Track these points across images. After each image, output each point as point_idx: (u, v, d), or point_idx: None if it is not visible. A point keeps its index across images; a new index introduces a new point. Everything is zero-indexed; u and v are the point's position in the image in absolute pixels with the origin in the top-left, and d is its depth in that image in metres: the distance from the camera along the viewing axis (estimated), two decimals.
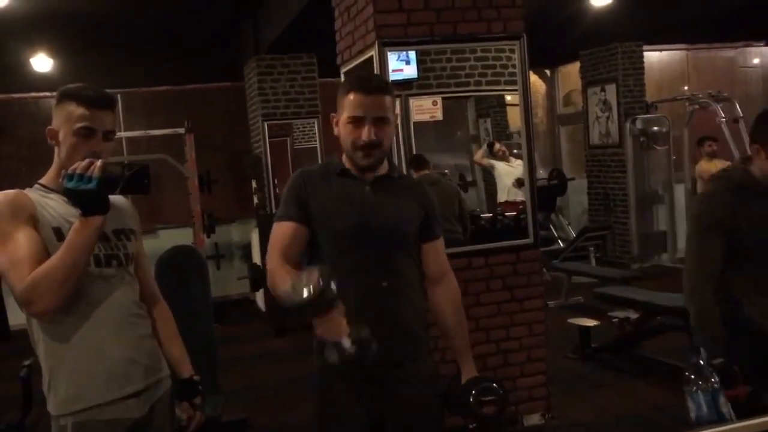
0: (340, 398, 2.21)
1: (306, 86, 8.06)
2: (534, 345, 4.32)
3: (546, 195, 8.44)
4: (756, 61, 11.29)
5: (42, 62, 8.14)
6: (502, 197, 7.38)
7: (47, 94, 8.29)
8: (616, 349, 5.48)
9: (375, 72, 4.04)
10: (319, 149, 8.04)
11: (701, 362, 1.89)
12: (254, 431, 4.68)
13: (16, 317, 5.36)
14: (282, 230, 2.18)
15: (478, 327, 4.13)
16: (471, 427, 3.88)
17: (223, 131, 9.39)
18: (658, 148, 9.21)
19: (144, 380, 2.01)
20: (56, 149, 1.98)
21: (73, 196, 1.83)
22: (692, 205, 2.82)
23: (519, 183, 5.58)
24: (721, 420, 1.75)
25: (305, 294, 1.79)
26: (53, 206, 1.93)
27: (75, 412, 1.92)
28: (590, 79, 9.66)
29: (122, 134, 8.05)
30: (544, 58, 9.86)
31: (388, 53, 4.05)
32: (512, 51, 4.28)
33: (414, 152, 4.48)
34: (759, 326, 2.52)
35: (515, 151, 7.02)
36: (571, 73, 10.60)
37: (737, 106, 8.39)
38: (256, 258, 7.87)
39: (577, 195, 10.13)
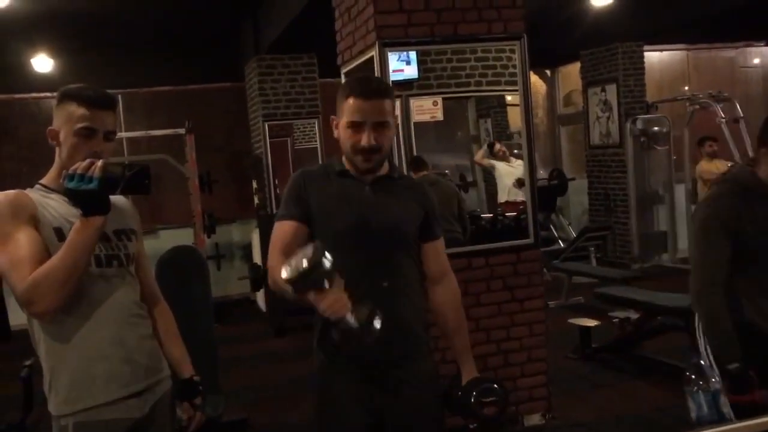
0: (340, 398, 2.21)
1: (306, 86, 8.06)
2: (534, 345, 4.32)
3: (546, 195, 8.44)
4: (756, 61, 11.29)
5: (43, 62, 8.15)
6: (502, 197, 7.38)
7: (48, 94, 8.30)
8: (617, 350, 5.48)
9: (376, 72, 4.04)
10: (319, 150, 8.04)
11: (702, 363, 1.89)
12: (254, 431, 4.67)
13: (17, 317, 5.36)
14: (283, 229, 2.18)
15: (478, 327, 4.13)
16: (471, 427, 3.89)
17: (223, 131, 9.39)
18: (659, 148, 9.21)
19: (145, 380, 2.01)
20: (57, 149, 1.98)
21: (73, 197, 1.83)
22: (697, 207, 2.78)
23: (519, 183, 5.58)
24: (722, 420, 1.75)
25: (301, 268, 1.78)
26: (54, 206, 1.93)
27: (76, 412, 1.92)
28: (591, 80, 9.66)
29: (123, 134, 8.06)
30: (545, 59, 9.86)
31: (389, 54, 4.05)
32: (513, 51, 4.28)
33: (414, 152, 4.48)
34: (759, 328, 2.51)
35: (515, 151, 7.02)
36: (571, 73, 10.60)
37: (738, 107, 8.39)
38: (257, 258, 7.87)
39: (578, 195, 10.13)
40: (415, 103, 4.39)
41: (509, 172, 7.13)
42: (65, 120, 1.93)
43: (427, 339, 2.33)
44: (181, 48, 8.41)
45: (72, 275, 1.81)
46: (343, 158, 2.24)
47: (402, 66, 4.20)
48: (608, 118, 9.41)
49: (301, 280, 1.80)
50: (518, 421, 4.30)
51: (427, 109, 4.46)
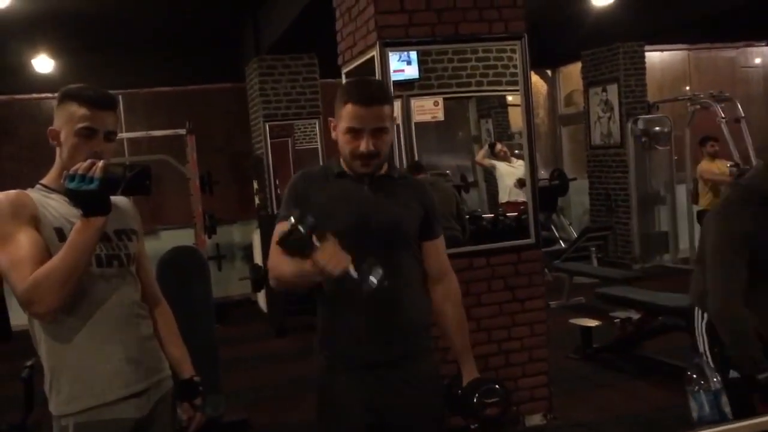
0: (341, 398, 2.21)
1: (307, 87, 8.07)
2: (535, 345, 4.32)
3: (547, 195, 8.44)
4: (757, 61, 11.29)
5: (43, 63, 8.16)
6: (503, 197, 7.39)
7: (49, 95, 8.30)
8: (618, 350, 5.47)
9: (376, 72, 4.04)
10: (320, 150, 8.05)
11: (703, 363, 1.89)
12: (255, 431, 4.67)
13: (18, 318, 5.35)
14: (283, 230, 2.19)
15: (479, 327, 4.13)
16: (473, 428, 3.89)
17: (224, 132, 9.39)
18: (660, 148, 9.20)
19: (145, 380, 2.01)
20: (58, 150, 1.98)
21: (74, 197, 1.83)
22: (710, 217, 2.67)
23: (520, 183, 5.59)
24: (723, 420, 1.74)
25: (286, 230, 1.88)
26: (55, 206, 1.93)
27: (76, 412, 1.92)
28: (592, 80, 9.66)
29: (123, 135, 8.05)
30: (546, 59, 9.85)
31: (390, 54, 4.05)
32: (513, 51, 4.28)
33: (415, 152, 4.49)
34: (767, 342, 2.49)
35: (516, 151, 7.03)
36: (572, 73, 10.59)
37: (739, 106, 8.38)
38: (258, 259, 7.87)
39: (579, 195, 10.12)
40: (416, 103, 4.39)
41: (510, 172, 7.13)
42: (66, 120, 1.93)
43: (429, 338, 2.33)
44: (181, 48, 8.42)
45: (72, 275, 1.81)
46: (341, 160, 2.24)
47: (403, 66, 4.21)
48: (609, 118, 9.41)
49: (288, 240, 1.88)
50: (519, 422, 4.29)
51: (428, 109, 4.46)
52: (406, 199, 2.26)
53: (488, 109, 7.85)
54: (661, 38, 9.62)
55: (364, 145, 2.12)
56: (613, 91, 9.29)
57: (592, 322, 5.59)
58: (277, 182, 7.98)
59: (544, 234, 6.37)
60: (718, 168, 8.01)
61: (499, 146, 7.54)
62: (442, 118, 4.55)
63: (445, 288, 2.35)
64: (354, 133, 2.13)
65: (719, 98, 8.46)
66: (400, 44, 4.07)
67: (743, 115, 8.30)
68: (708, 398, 1.79)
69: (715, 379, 1.81)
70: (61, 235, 1.87)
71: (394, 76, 4.10)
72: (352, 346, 2.20)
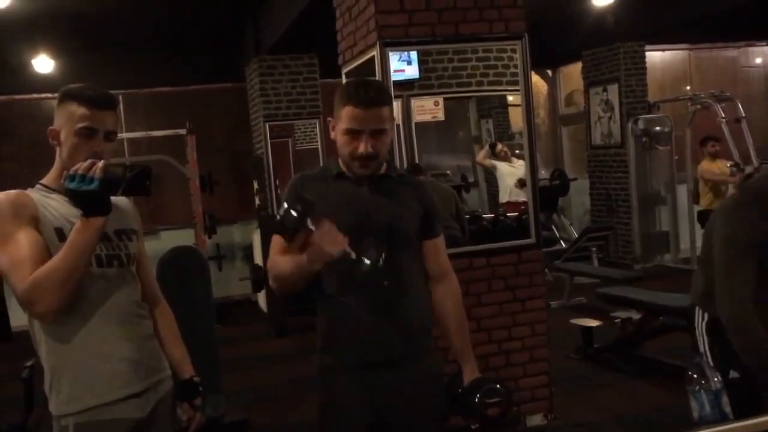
0: (342, 398, 2.21)
1: (307, 87, 8.07)
2: (536, 345, 4.31)
3: (548, 195, 8.43)
4: (758, 60, 11.28)
5: (43, 63, 8.16)
6: (504, 198, 7.40)
7: (49, 95, 8.30)
8: (619, 350, 5.47)
9: (377, 72, 4.03)
10: (320, 150, 8.04)
11: (703, 362, 1.88)
12: None
13: (18, 318, 5.36)
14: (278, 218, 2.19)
15: (479, 327, 4.13)
16: (473, 428, 3.88)
17: (224, 132, 9.39)
18: (661, 148, 9.19)
19: (146, 380, 2.01)
20: (58, 149, 1.98)
21: (74, 197, 1.82)
22: (717, 220, 2.61)
23: (521, 183, 5.59)
24: (724, 420, 1.74)
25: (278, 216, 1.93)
26: (55, 206, 1.93)
27: (77, 412, 1.92)
28: (592, 80, 9.66)
29: (124, 135, 8.06)
30: (546, 59, 9.85)
31: (390, 53, 4.05)
32: (514, 51, 4.28)
33: (416, 152, 4.49)
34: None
35: (517, 151, 7.04)
36: (573, 73, 10.59)
37: (739, 106, 8.38)
38: (258, 259, 7.87)
39: (579, 195, 10.12)
40: (416, 103, 4.40)
41: (511, 172, 7.14)
42: (66, 120, 1.93)
43: (430, 338, 2.32)
44: (181, 48, 8.42)
45: (73, 275, 1.81)
46: (340, 160, 2.24)
47: (403, 66, 4.21)
48: (610, 118, 9.40)
49: (282, 224, 1.92)
50: (520, 422, 4.29)
51: (428, 109, 4.46)
52: (405, 198, 2.26)
53: (489, 109, 7.86)
54: (662, 38, 9.62)
55: (363, 147, 2.12)
56: (613, 91, 9.29)
57: (593, 322, 5.58)
58: (278, 182, 7.98)
59: (544, 234, 6.36)
60: (718, 168, 8.01)
61: (499, 146, 7.54)
62: (443, 118, 4.55)
63: (446, 287, 2.35)
64: (353, 134, 2.13)
65: (720, 98, 8.45)
66: (401, 44, 4.07)
67: (744, 115, 8.28)
68: (709, 398, 1.78)
69: (715, 379, 1.80)
70: (61, 235, 1.87)
71: (395, 76, 4.09)
72: (352, 346, 2.20)
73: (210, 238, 8.02)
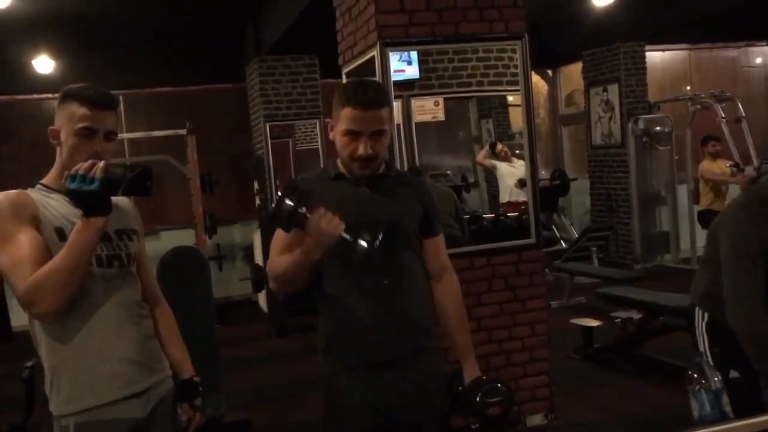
0: (345, 399, 2.20)
1: (308, 87, 8.07)
2: (536, 345, 4.31)
3: (548, 195, 8.43)
4: (758, 60, 11.28)
5: (44, 64, 8.17)
6: (504, 198, 7.39)
7: (49, 95, 8.30)
8: (619, 350, 5.47)
9: (377, 73, 4.03)
10: (321, 150, 8.04)
11: (704, 362, 1.88)
12: None
13: (19, 318, 5.37)
14: (282, 237, 2.19)
15: (480, 327, 4.13)
16: (473, 427, 3.88)
17: (224, 132, 9.40)
18: (661, 148, 9.19)
19: (146, 381, 2.01)
20: (58, 149, 1.98)
21: (75, 197, 1.82)
22: (724, 221, 2.58)
23: (521, 183, 5.58)
24: (724, 419, 1.74)
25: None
26: (55, 206, 1.93)
27: (77, 412, 1.92)
28: (592, 80, 9.66)
29: (124, 135, 8.06)
30: (546, 59, 9.85)
31: (390, 53, 4.05)
32: (514, 51, 4.28)
33: (416, 153, 4.48)
34: None
35: (517, 151, 7.03)
36: (573, 73, 10.59)
37: (740, 106, 8.38)
38: (258, 259, 7.87)
39: (580, 195, 10.12)
40: (416, 103, 4.39)
41: (511, 172, 7.13)
42: (66, 119, 1.93)
43: (432, 338, 2.31)
44: (182, 49, 8.42)
45: (73, 276, 1.81)
46: (338, 161, 2.24)
47: (403, 66, 4.21)
48: (610, 118, 9.40)
49: (277, 213, 1.95)
50: (521, 421, 4.29)
51: (428, 109, 4.46)
52: (405, 198, 2.26)
53: (489, 109, 7.86)
54: (662, 38, 9.62)
55: (362, 149, 2.12)
56: (613, 91, 9.29)
57: (593, 322, 5.58)
58: (278, 183, 7.97)
59: (545, 234, 6.36)
60: (719, 168, 8.01)
61: (499, 146, 7.54)
62: (443, 119, 4.55)
63: (446, 286, 2.35)
64: (352, 135, 2.13)
65: (720, 98, 8.45)
66: (401, 44, 4.07)
67: (744, 114, 8.29)
68: (709, 397, 1.79)
69: (715, 379, 1.81)
70: (62, 234, 1.87)
71: (395, 76, 4.09)
72: (352, 347, 2.20)
73: (210, 238, 8.03)
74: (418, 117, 4.40)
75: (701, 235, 8.50)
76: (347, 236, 1.93)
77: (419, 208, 2.28)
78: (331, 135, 2.23)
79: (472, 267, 4.16)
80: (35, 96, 8.63)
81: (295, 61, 8.04)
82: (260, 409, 5.05)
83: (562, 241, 9.25)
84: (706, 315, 2.67)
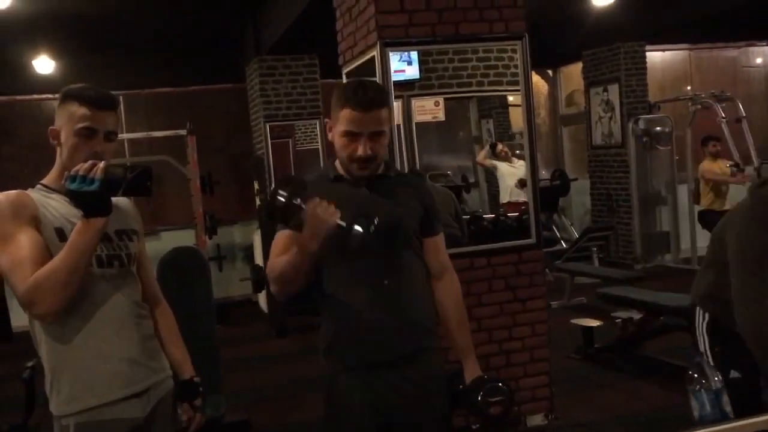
0: (346, 399, 2.20)
1: (308, 87, 8.07)
2: (537, 345, 4.31)
3: (548, 195, 8.44)
4: (759, 60, 11.28)
5: (44, 64, 8.17)
6: (504, 198, 7.39)
7: (49, 96, 8.31)
8: (619, 350, 5.47)
9: (377, 73, 4.03)
10: (321, 151, 8.04)
11: (704, 362, 1.88)
12: None
13: (19, 319, 5.36)
14: (282, 240, 2.18)
15: (480, 327, 4.13)
16: (474, 427, 3.88)
17: (224, 133, 9.40)
18: (661, 148, 9.20)
19: (146, 381, 2.01)
20: (58, 149, 1.98)
21: (75, 198, 1.82)
22: (735, 220, 2.57)
23: (521, 184, 5.57)
24: (724, 419, 1.74)
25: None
26: (55, 206, 1.93)
27: (77, 412, 1.92)
28: (593, 80, 9.66)
29: (124, 136, 8.06)
30: (547, 59, 9.85)
31: (390, 54, 4.05)
32: (514, 51, 4.28)
33: (416, 153, 4.48)
34: None
35: (517, 151, 7.03)
36: (573, 73, 10.59)
37: (740, 106, 8.38)
38: (259, 259, 7.87)
39: (580, 195, 10.12)
40: (416, 103, 4.39)
41: (511, 172, 7.13)
42: (67, 120, 1.93)
43: (433, 338, 2.30)
44: (182, 49, 8.42)
45: (73, 276, 1.81)
46: (337, 162, 2.24)
47: (404, 66, 4.20)
48: (610, 118, 9.40)
49: (272, 205, 1.94)
50: (521, 422, 4.29)
51: (428, 109, 4.46)
52: (405, 198, 2.26)
53: (489, 110, 7.85)
54: (662, 38, 9.62)
55: (361, 149, 2.12)
56: (614, 91, 9.29)
57: (594, 322, 5.58)
58: None
59: (545, 234, 6.36)
60: (719, 168, 8.01)
61: (500, 146, 7.53)
62: (443, 119, 4.55)
63: (446, 284, 2.35)
64: (351, 136, 2.13)
65: (720, 98, 8.45)
66: (401, 44, 4.07)
67: (744, 114, 8.28)
68: (709, 397, 1.79)
69: (716, 379, 1.81)
70: (62, 235, 1.88)
71: (395, 77, 4.09)
72: (352, 347, 2.20)
73: (210, 238, 8.03)
74: (418, 117, 4.40)
75: (702, 235, 8.50)
76: (343, 223, 1.93)
77: (419, 208, 2.27)
78: (329, 136, 2.23)
79: (472, 267, 4.16)
80: (35, 96, 8.64)
81: (295, 62, 8.03)
82: (260, 409, 5.04)
83: (562, 242, 9.26)
84: (706, 315, 2.67)
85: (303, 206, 1.92)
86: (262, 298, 7.94)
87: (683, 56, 10.78)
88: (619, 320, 5.43)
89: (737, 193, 8.19)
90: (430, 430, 2.28)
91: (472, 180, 8.46)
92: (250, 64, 8.27)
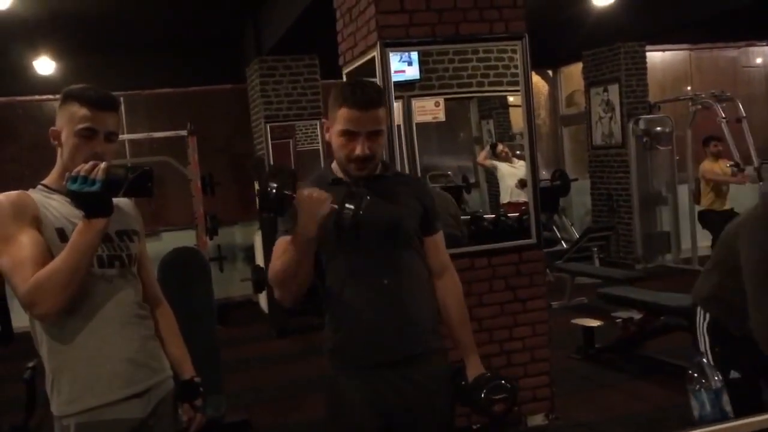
0: (349, 399, 2.20)
1: (308, 88, 8.07)
2: (537, 345, 4.31)
3: (549, 196, 8.44)
4: (759, 60, 11.28)
5: (45, 65, 8.17)
6: (505, 198, 7.40)
7: (50, 96, 8.31)
8: (620, 350, 5.47)
9: (377, 73, 4.03)
10: (321, 151, 8.04)
11: (704, 362, 1.88)
12: None
13: (20, 319, 5.35)
14: (282, 245, 2.17)
15: (481, 327, 4.13)
16: (475, 427, 3.89)
17: (225, 133, 9.40)
18: (661, 148, 9.20)
19: (147, 381, 2.02)
20: (59, 150, 1.98)
21: (76, 198, 1.83)
22: (746, 234, 2.54)
23: (522, 184, 5.58)
24: (724, 419, 1.74)
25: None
26: (56, 207, 1.93)
27: (78, 412, 1.92)
28: (593, 80, 9.66)
29: (125, 136, 8.06)
30: (547, 59, 9.86)
31: (390, 54, 4.05)
32: (514, 51, 4.28)
33: (416, 153, 4.49)
34: None
35: (518, 152, 7.03)
36: (573, 73, 10.59)
37: (740, 106, 8.38)
38: (259, 260, 7.88)
39: (580, 196, 10.12)
40: (417, 104, 4.40)
41: (512, 172, 7.14)
42: (67, 120, 1.94)
43: (436, 338, 2.29)
44: (182, 50, 8.43)
45: (74, 277, 1.81)
46: (334, 164, 2.24)
47: (404, 67, 4.21)
48: (611, 118, 9.40)
49: (264, 198, 1.96)
50: (521, 422, 4.29)
51: (429, 109, 4.46)
52: (404, 197, 2.26)
53: (489, 110, 7.86)
54: (663, 38, 9.62)
55: (359, 149, 2.12)
56: (614, 91, 9.29)
57: (594, 323, 5.58)
58: None
59: (545, 234, 6.37)
60: (720, 168, 8.01)
61: (500, 147, 7.54)
62: (444, 119, 4.55)
63: (447, 283, 2.35)
64: (349, 136, 2.12)
65: (721, 98, 8.45)
66: (401, 44, 4.07)
67: (744, 115, 8.29)
68: (709, 397, 1.79)
69: (716, 378, 1.81)
70: (63, 235, 1.88)
71: (395, 77, 4.10)
72: (354, 347, 2.20)
73: (211, 239, 8.03)
74: (418, 118, 4.41)
75: (702, 235, 8.51)
76: (335, 206, 1.96)
77: (419, 207, 2.27)
78: (327, 136, 2.23)
79: (472, 267, 4.16)
80: (36, 97, 8.64)
81: (296, 62, 8.04)
82: (261, 409, 5.05)
83: (562, 242, 9.25)
84: (707, 315, 2.68)
85: (294, 195, 1.93)
86: (262, 299, 7.94)
87: (683, 56, 10.78)
88: (620, 320, 5.44)
89: (737, 193, 8.21)
90: (431, 431, 2.28)
91: (472, 180, 8.47)
92: (251, 64, 8.28)
